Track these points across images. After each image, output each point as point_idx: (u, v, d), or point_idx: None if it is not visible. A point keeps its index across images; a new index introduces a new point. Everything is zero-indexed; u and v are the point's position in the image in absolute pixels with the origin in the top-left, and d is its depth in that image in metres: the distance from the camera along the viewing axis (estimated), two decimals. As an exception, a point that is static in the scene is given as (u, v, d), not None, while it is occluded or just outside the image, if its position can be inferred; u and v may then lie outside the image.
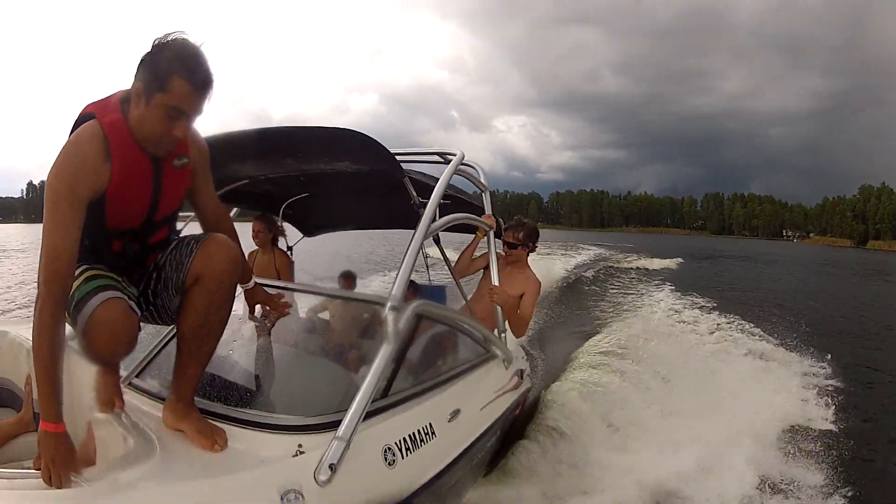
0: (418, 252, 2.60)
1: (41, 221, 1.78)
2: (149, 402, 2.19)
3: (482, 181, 3.99)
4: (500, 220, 4.18)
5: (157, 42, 1.74)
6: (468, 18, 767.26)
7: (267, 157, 2.85)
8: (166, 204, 1.99)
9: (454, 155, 3.47)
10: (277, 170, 3.30)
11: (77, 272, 1.81)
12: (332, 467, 1.84)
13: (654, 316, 11.57)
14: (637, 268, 24.56)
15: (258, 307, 2.41)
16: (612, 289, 16.03)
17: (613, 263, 25.06)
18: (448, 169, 3.28)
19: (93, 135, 1.76)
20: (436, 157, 3.68)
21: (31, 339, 1.71)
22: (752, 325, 10.22)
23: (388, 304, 2.25)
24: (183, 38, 1.75)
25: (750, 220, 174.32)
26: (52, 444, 1.65)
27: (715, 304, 13.14)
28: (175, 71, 1.71)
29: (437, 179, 3.10)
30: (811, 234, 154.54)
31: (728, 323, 10.75)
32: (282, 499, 1.73)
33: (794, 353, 8.01)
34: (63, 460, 1.63)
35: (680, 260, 31.39)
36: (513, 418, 3.96)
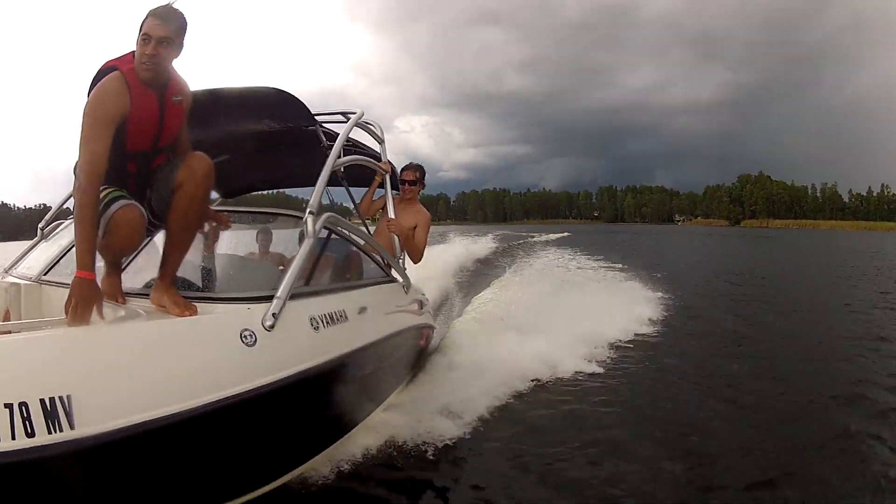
0: (329, 173, 3.21)
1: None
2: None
3: (379, 134, 4.61)
4: (394, 166, 4.79)
5: (163, 11, 2.39)
6: (375, 20, 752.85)
7: (192, 120, 2.83)
8: (167, 131, 2.54)
9: (354, 113, 4.13)
10: (201, 133, 3.27)
11: (101, 189, 2.32)
12: (275, 316, 2.42)
13: (539, 262, 15.72)
14: (533, 241, 30.55)
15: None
16: (507, 256, 19.22)
17: (513, 241, 30.38)
18: (350, 121, 3.98)
19: (117, 78, 2.34)
20: (339, 118, 4.22)
21: None
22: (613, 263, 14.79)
23: (307, 210, 2.85)
24: (173, 7, 2.40)
25: (640, 208, 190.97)
26: (83, 287, 2.11)
27: (584, 252, 18.45)
28: (147, 14, 2.36)
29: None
30: (698, 217, 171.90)
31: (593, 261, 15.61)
32: (240, 335, 2.26)
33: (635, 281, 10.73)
34: (88, 301, 2.09)
35: (567, 233, 38.55)
36: (421, 349, 4.86)
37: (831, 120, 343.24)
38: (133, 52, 2.40)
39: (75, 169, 2.37)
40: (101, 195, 2.33)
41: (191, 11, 2.45)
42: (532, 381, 4.76)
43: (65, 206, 3.90)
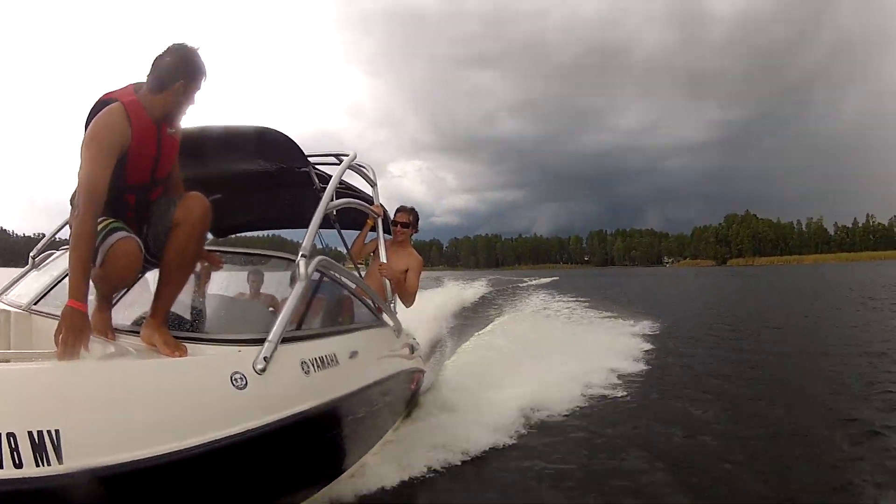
0: (322, 216, 3.26)
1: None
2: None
3: (371, 177, 4.63)
4: (386, 209, 4.79)
5: (171, 47, 2.50)
6: (369, 62, 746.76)
7: (186, 158, 2.86)
8: (164, 163, 2.60)
9: (347, 155, 4.18)
10: (194, 171, 3.22)
11: (100, 220, 2.35)
12: (266, 359, 2.43)
13: (528, 307, 16.39)
14: (524, 285, 31.08)
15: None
16: (498, 299, 20.24)
17: (505, 285, 31.10)
18: (343, 164, 4.01)
19: (119, 110, 2.38)
20: (332, 159, 4.28)
21: None
22: (599, 308, 15.29)
23: (300, 253, 2.91)
24: (185, 46, 2.51)
25: (629, 251, 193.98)
26: (74, 317, 2.11)
27: (575, 297, 19.13)
28: (201, 71, 2.52)
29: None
30: (686, 258, 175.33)
31: (577, 305, 16.16)
32: (231, 378, 2.26)
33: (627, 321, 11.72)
34: (79, 332, 2.11)
35: (556, 277, 39.62)
36: (411, 393, 4.79)
37: (820, 150, 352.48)
38: (134, 85, 2.51)
39: (72, 199, 2.44)
40: (101, 225, 2.36)
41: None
42: (522, 419, 4.82)
43: (57, 237, 3.94)
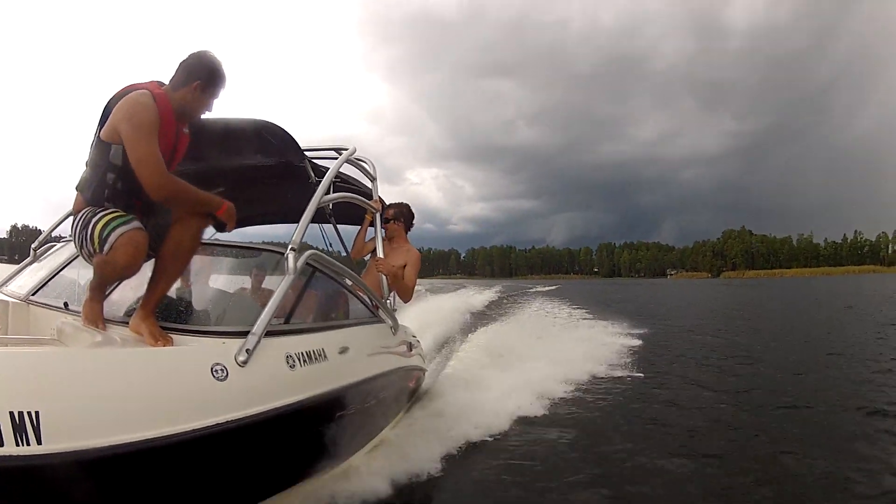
0: (314, 209, 3.24)
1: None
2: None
3: (371, 172, 4.63)
4: (385, 202, 4.79)
5: (196, 52, 2.68)
6: (390, 69, 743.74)
7: (192, 150, 2.88)
8: (176, 159, 2.73)
9: (346, 149, 4.21)
10: (194, 165, 3.25)
11: (110, 212, 2.50)
12: (248, 352, 2.41)
13: (529, 310, 17.82)
14: (532, 291, 39.61)
15: None
16: (507, 302, 22.61)
17: (515, 291, 38.15)
18: (341, 157, 4.05)
19: (149, 96, 2.50)
20: (332, 153, 4.31)
21: None
22: (594, 315, 16.45)
23: (290, 247, 2.92)
24: (208, 52, 2.68)
25: (635, 263, 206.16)
26: (231, 213, 2.56)
27: (570, 303, 22.33)
28: (222, 77, 2.69)
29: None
30: (687, 271, 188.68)
31: (573, 310, 18.68)
32: (211, 370, 2.26)
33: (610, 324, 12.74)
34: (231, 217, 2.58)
35: (559, 285, 51.91)
36: (410, 391, 4.77)
37: (837, 162, 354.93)
38: (158, 82, 2.67)
39: (78, 186, 2.69)
40: (112, 215, 2.50)
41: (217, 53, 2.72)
42: (520, 416, 5.05)
43: (55, 232, 4.01)
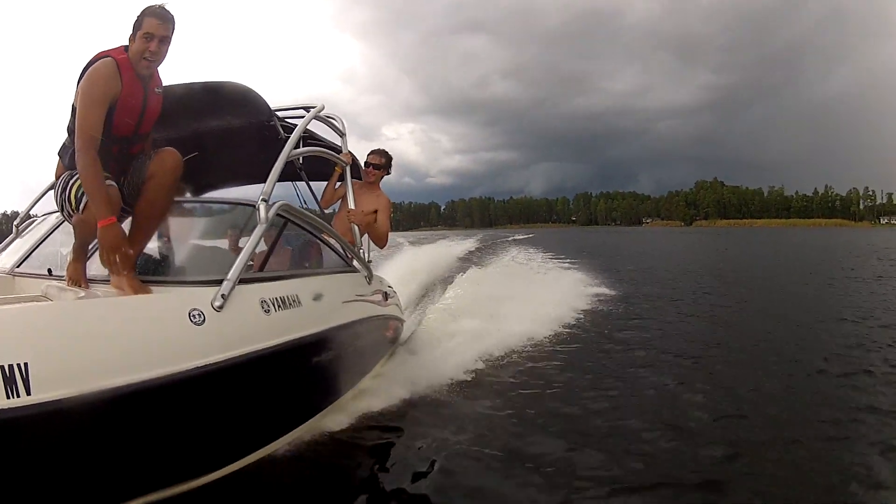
0: (284, 162, 3.33)
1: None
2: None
3: (340, 128, 4.66)
4: (356, 156, 4.80)
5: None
6: (362, 29, 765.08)
7: (163, 117, 2.93)
8: (148, 119, 2.78)
9: (315, 107, 4.24)
10: (167, 131, 3.30)
11: None
12: (224, 297, 2.48)
13: (507, 257, 17.73)
14: (510, 239, 39.41)
15: None
16: (488, 252, 21.67)
17: (493, 239, 38.28)
18: (310, 114, 4.08)
19: (110, 64, 2.57)
20: (302, 112, 4.31)
21: None
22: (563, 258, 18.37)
23: (260, 198, 2.96)
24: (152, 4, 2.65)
25: (611, 212, 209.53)
26: (109, 233, 2.36)
27: (540, 249, 23.65)
28: (146, 14, 2.61)
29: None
30: (661, 220, 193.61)
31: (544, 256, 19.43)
32: (189, 315, 2.33)
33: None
34: (116, 246, 2.42)
35: (532, 234, 54.17)
36: (388, 340, 4.88)
37: (811, 117, 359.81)
38: (124, 46, 2.66)
39: (60, 152, 2.77)
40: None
41: (180, 14, 2.70)
42: (497, 357, 5.25)
43: (33, 210, 4.06)
